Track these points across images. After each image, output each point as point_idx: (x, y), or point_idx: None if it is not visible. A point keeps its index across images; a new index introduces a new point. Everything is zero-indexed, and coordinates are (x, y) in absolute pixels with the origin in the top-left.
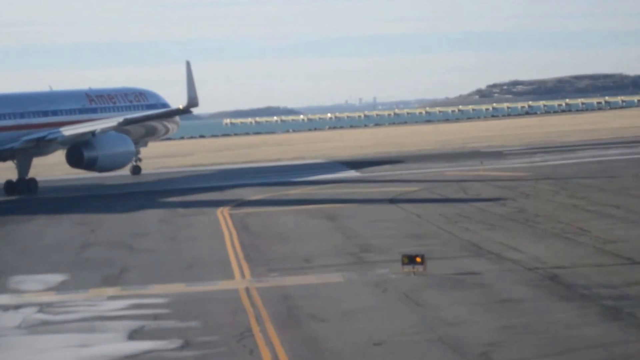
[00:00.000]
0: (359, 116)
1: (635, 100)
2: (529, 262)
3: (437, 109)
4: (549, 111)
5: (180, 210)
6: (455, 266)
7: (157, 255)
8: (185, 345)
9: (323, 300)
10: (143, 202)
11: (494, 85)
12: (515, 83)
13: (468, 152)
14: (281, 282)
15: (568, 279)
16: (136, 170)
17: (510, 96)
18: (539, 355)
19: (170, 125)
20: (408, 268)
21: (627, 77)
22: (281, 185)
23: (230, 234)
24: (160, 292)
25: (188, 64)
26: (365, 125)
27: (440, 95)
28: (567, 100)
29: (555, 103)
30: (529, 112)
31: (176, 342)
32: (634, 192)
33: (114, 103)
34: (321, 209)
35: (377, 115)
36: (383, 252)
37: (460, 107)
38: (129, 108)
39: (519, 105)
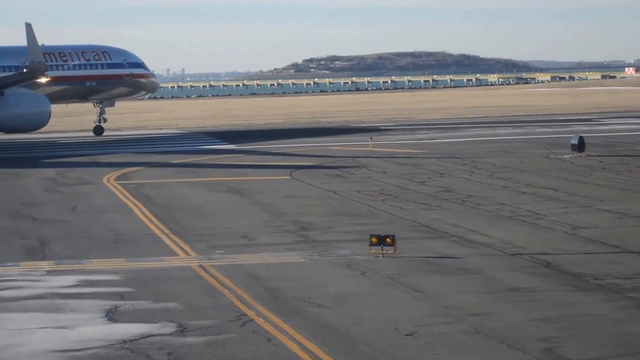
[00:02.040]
0: (172, 87)
1: (464, 80)
2: (505, 247)
3: (255, 82)
4: (374, 88)
5: (60, 179)
6: (422, 249)
7: (70, 226)
8: (184, 330)
9: (301, 282)
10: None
11: (311, 60)
12: (333, 58)
13: (337, 126)
14: (236, 260)
15: (567, 267)
16: (97, 130)
17: (327, 72)
18: (612, 355)
19: (136, 86)
20: (376, 249)
21: (450, 55)
22: (156, 155)
23: (136, 205)
24: (103, 267)
25: (28, 26)
26: (187, 97)
27: (254, 68)
28: (393, 78)
29: (381, 80)
30: (359, 88)
31: (170, 326)
32: (556, 173)
33: (65, 61)
34: (222, 182)
35: (191, 86)
36: (325, 231)
37: (281, 80)
38: (84, 66)
39: (341, 81)
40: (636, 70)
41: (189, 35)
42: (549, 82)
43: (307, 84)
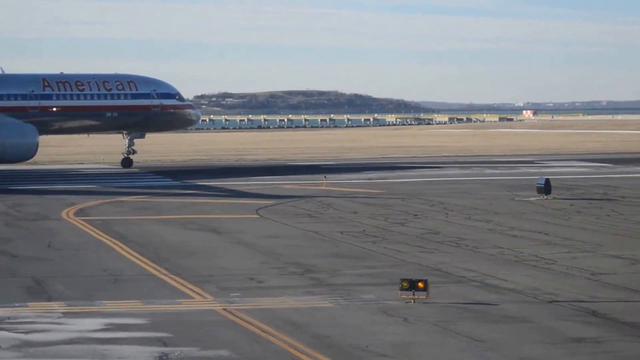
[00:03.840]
0: None
1: (362, 120)
2: (535, 293)
3: None
4: (272, 126)
5: (16, 214)
6: (449, 294)
7: (57, 265)
8: None
9: (346, 329)
10: None
11: (202, 97)
12: (225, 95)
13: (274, 164)
14: (260, 304)
15: (617, 316)
16: (125, 162)
17: (219, 108)
18: None
19: (166, 118)
20: (407, 294)
21: (342, 95)
22: (101, 193)
23: (114, 243)
24: (122, 310)
25: None
26: None
27: None
28: (290, 116)
29: (277, 118)
30: (261, 126)
31: None
32: (534, 217)
33: (81, 90)
34: (190, 220)
35: None
36: (333, 274)
37: None
38: (103, 96)
39: (237, 118)
40: (534, 114)
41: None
42: (446, 123)
43: (202, 120)
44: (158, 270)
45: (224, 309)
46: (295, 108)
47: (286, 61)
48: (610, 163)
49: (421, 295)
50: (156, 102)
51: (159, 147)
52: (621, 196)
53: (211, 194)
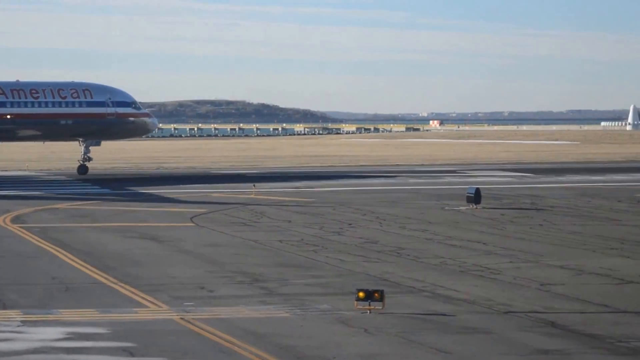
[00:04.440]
0: None
1: (271, 129)
2: (489, 304)
3: None
4: (180, 135)
5: None
6: (403, 305)
7: (8, 273)
8: None
9: (309, 340)
10: None
11: None
12: None
13: (196, 173)
14: (217, 314)
15: (577, 328)
16: (81, 169)
17: None
18: None
19: (121, 126)
20: (363, 304)
21: (249, 104)
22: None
23: (57, 251)
24: (80, 319)
25: None
26: None
27: None
28: (200, 125)
29: (187, 127)
30: (173, 135)
31: None
32: (469, 226)
33: (36, 98)
34: (128, 228)
35: None
36: (283, 284)
37: None
38: (59, 104)
39: None
40: (440, 124)
41: None
42: (354, 132)
43: None
44: (107, 279)
45: (182, 319)
46: (204, 117)
47: (194, 71)
48: (531, 173)
49: (377, 306)
50: (111, 110)
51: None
52: (549, 206)
53: (143, 201)
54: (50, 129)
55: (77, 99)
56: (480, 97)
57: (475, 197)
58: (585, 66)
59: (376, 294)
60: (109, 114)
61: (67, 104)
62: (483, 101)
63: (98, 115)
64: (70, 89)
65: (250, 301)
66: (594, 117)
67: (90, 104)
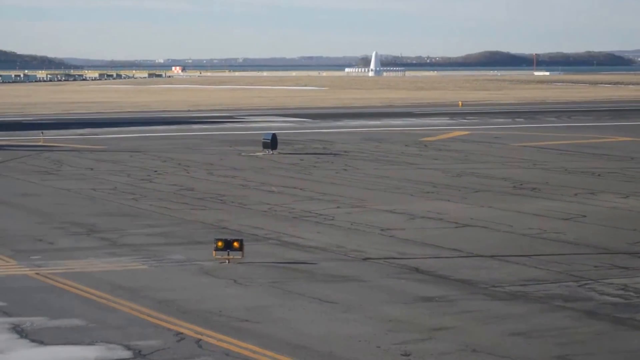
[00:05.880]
0: None
1: (12, 75)
2: (343, 251)
3: None
4: None
5: None
6: (258, 253)
7: None
8: (144, 354)
9: (184, 292)
10: None
11: None
12: None
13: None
14: (71, 268)
15: (445, 273)
16: None
17: None
18: None
19: None
20: (222, 254)
21: None
22: None
23: None
24: None
25: None
26: None
27: None
28: None
29: None
30: None
31: (117, 348)
32: (275, 172)
33: None
34: None
35: None
36: (121, 234)
37: None
38: None
39: None
40: (182, 70)
41: None
42: (97, 79)
43: None
44: None
45: (37, 274)
46: None
47: None
48: (309, 118)
49: (236, 255)
50: None
51: None
52: (343, 151)
53: None
54: None
55: None
56: (214, 43)
57: (272, 143)
58: (316, 15)
59: (235, 243)
60: None
61: None
62: (217, 48)
63: None
64: None
65: (98, 253)
66: (326, 64)
67: None
